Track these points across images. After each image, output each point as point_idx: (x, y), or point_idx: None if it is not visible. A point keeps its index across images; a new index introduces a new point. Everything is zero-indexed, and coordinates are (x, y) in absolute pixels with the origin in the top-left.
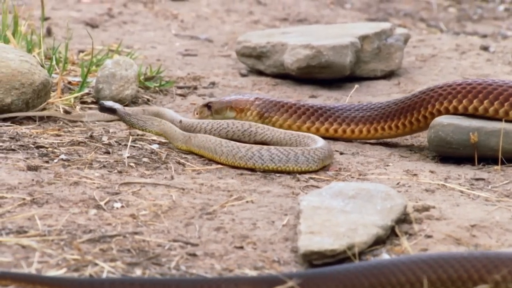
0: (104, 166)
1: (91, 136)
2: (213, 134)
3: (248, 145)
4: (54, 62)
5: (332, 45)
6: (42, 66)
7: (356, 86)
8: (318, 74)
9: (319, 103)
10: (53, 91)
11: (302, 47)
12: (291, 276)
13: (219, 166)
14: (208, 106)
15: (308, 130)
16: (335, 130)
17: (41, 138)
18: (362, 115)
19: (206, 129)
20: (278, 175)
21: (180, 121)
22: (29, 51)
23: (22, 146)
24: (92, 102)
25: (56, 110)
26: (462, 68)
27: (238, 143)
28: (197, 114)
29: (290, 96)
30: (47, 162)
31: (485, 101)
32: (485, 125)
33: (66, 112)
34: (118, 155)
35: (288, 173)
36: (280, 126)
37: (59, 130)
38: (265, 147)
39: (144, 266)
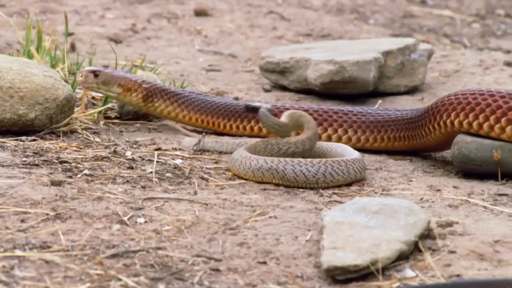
0: (127, 181)
1: (114, 151)
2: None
3: None
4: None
5: (356, 60)
6: (66, 81)
7: (380, 101)
8: (342, 90)
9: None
10: (77, 106)
11: (326, 63)
12: None
13: (242, 181)
14: (95, 73)
15: (190, 120)
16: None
17: (65, 153)
18: None
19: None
20: (301, 190)
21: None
22: (53, 66)
23: (46, 161)
24: (116, 117)
25: (80, 125)
26: (485, 84)
27: None
28: (81, 77)
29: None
30: (70, 177)
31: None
32: (508, 143)
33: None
34: (142, 170)
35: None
36: (162, 113)
37: (82, 145)
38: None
39: (167, 281)
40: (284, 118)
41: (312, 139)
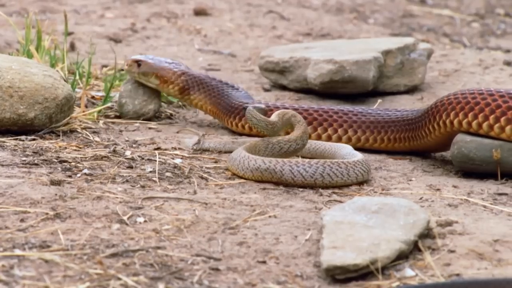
0: (127, 181)
1: (114, 151)
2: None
3: None
4: (77, 77)
5: (355, 60)
6: (66, 80)
7: (379, 100)
8: (341, 89)
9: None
10: (77, 106)
11: (325, 62)
12: None
13: (242, 180)
14: (138, 63)
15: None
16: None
17: (64, 153)
18: None
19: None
20: (301, 189)
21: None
22: (53, 66)
23: (45, 160)
24: (115, 117)
25: (80, 125)
26: (485, 83)
27: None
28: (126, 66)
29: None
30: (70, 176)
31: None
32: (507, 142)
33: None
34: (141, 170)
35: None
36: (197, 106)
37: (82, 145)
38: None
39: (167, 280)
40: (274, 117)
41: (304, 136)
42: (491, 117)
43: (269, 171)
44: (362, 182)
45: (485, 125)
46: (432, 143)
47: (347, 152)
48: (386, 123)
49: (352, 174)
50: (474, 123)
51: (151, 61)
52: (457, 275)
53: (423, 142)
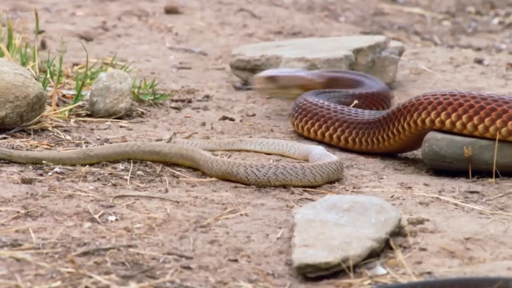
0: (98, 179)
1: None
2: None
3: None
4: (48, 75)
5: (327, 58)
6: (37, 79)
7: (356, 102)
8: None
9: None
10: (48, 104)
11: (297, 60)
12: None
13: (213, 179)
14: (273, 79)
15: None
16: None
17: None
18: None
19: None
20: (272, 188)
21: None
22: (23, 64)
23: None
24: (87, 115)
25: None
26: (456, 81)
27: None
28: (258, 84)
29: (284, 109)
30: (41, 175)
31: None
32: (478, 139)
33: None
34: (113, 168)
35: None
36: None
37: (53, 143)
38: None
39: (138, 279)
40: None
41: None
42: (454, 115)
43: (228, 171)
44: (321, 184)
45: (447, 122)
46: (399, 144)
47: (318, 153)
48: (358, 123)
49: (309, 175)
50: (437, 121)
51: (286, 74)
52: (429, 273)
53: (389, 144)
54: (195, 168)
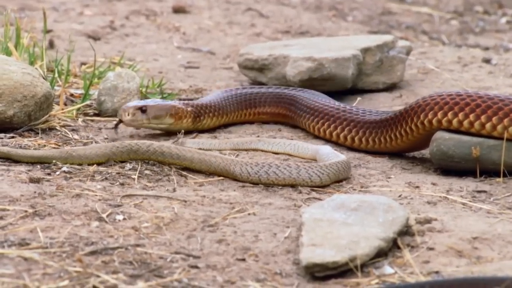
0: (106, 179)
1: None
2: None
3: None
4: (56, 75)
5: (334, 57)
6: (44, 78)
7: (359, 98)
8: (320, 87)
9: None
10: (56, 104)
11: (304, 60)
12: None
13: (221, 178)
14: (142, 109)
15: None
16: None
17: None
18: None
19: None
20: (280, 187)
21: None
22: (31, 63)
23: None
24: (94, 114)
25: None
26: (464, 81)
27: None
28: (128, 115)
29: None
30: (49, 174)
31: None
32: (486, 139)
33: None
34: (120, 168)
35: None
36: (209, 127)
37: (61, 142)
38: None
39: (146, 278)
40: None
41: None
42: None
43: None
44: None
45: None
46: (408, 144)
47: (326, 153)
48: (365, 123)
49: (304, 175)
50: (444, 121)
51: (153, 103)
52: (436, 272)
53: (399, 143)
54: (185, 167)
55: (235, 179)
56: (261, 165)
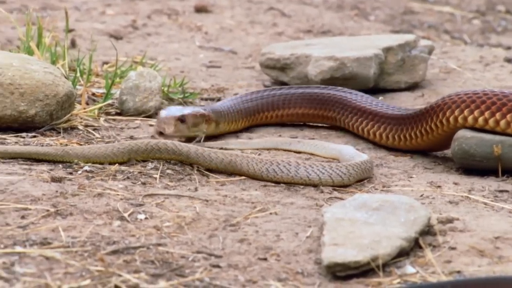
0: (128, 178)
1: None
2: None
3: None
4: (78, 74)
5: (356, 57)
6: (66, 77)
7: (380, 98)
8: (342, 86)
9: None
10: (77, 103)
11: (326, 59)
12: None
13: (243, 177)
14: (181, 119)
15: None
16: None
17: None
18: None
19: None
20: (301, 187)
21: None
22: (53, 62)
23: None
24: (116, 114)
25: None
26: (486, 80)
27: None
28: (171, 128)
29: None
30: (71, 173)
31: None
32: (508, 137)
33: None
34: (142, 167)
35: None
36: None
37: (83, 142)
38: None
39: (167, 277)
40: None
41: None
42: (487, 113)
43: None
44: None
45: (480, 119)
46: (432, 142)
47: (349, 153)
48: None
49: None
50: (470, 118)
51: (189, 111)
52: (458, 272)
53: (422, 141)
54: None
55: (255, 178)
56: (282, 164)
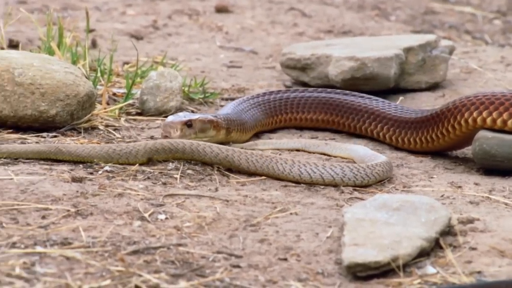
0: (148, 178)
1: None
2: None
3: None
4: (99, 74)
5: (377, 57)
6: (87, 77)
7: (401, 98)
8: (363, 86)
9: None
10: (98, 103)
11: (347, 59)
12: None
13: (263, 178)
14: (187, 124)
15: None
16: None
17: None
18: None
19: None
20: (322, 187)
21: None
22: (74, 62)
23: None
24: (137, 114)
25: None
26: (507, 80)
27: None
28: (177, 132)
29: None
30: (91, 173)
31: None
32: None
33: None
34: (163, 167)
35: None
36: (237, 140)
37: (103, 142)
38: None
39: (188, 277)
40: None
41: None
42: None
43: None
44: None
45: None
46: (451, 143)
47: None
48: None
49: (303, 173)
50: (488, 120)
51: (196, 116)
52: (479, 272)
53: (441, 142)
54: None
55: (278, 178)
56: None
